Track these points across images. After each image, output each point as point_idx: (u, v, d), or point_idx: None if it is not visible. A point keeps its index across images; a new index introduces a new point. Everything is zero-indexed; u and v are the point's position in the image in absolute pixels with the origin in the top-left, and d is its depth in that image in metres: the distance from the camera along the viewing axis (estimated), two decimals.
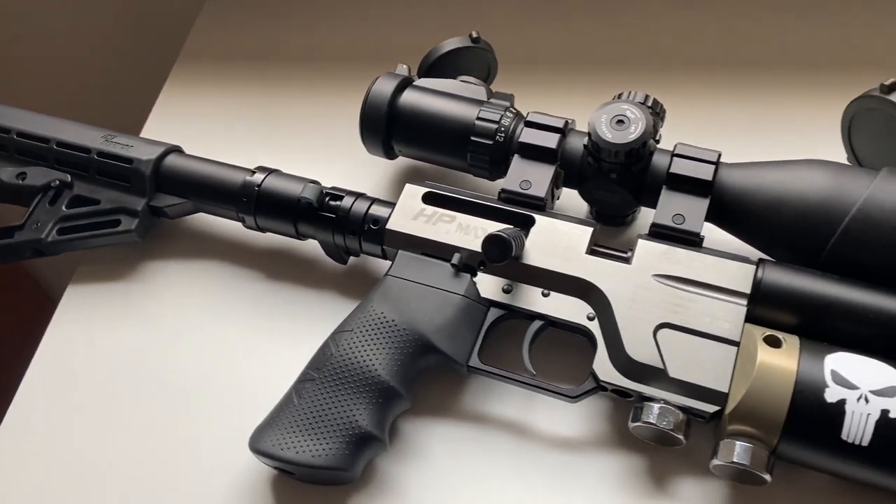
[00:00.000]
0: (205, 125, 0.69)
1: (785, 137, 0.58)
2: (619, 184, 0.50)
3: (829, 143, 0.52)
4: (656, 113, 0.53)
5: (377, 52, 0.70)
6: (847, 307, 0.43)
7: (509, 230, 0.46)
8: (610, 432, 0.47)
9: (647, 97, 0.52)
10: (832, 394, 0.40)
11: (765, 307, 0.45)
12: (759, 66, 0.64)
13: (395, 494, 0.46)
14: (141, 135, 0.67)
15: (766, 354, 0.41)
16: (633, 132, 0.47)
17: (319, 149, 0.64)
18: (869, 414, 0.39)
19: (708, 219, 0.49)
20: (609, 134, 0.48)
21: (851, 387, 0.40)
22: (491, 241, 0.45)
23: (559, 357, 0.49)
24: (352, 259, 0.56)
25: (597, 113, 0.49)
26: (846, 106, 0.51)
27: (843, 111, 0.51)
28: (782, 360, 0.41)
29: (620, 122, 0.48)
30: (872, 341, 0.43)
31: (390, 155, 0.58)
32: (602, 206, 0.54)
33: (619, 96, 0.52)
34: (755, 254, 0.48)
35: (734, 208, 0.48)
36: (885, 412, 0.39)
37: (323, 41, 0.75)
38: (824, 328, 0.44)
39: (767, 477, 0.41)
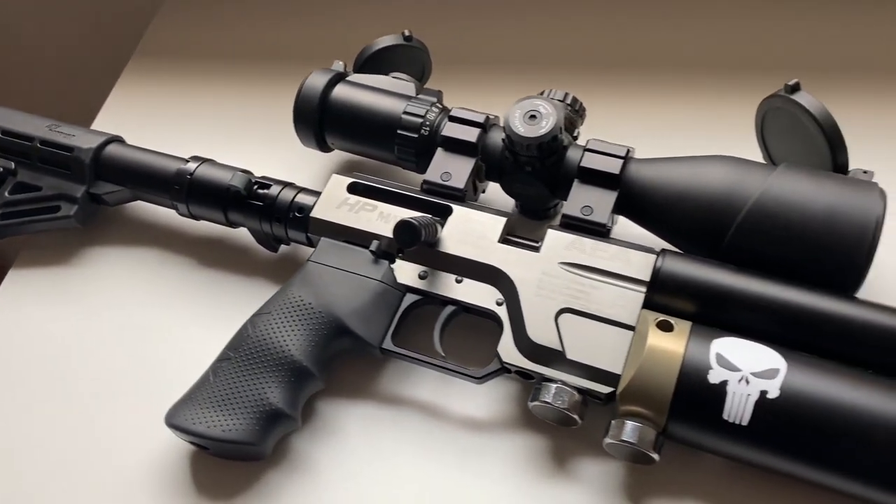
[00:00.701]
0: (156, 119, 0.71)
1: (710, 136, 0.60)
2: (534, 177, 0.52)
3: (750, 141, 0.54)
4: (575, 111, 0.55)
5: (325, 51, 0.71)
6: (741, 296, 0.45)
7: (421, 218, 0.48)
8: (517, 415, 0.49)
9: (566, 95, 0.54)
10: (715, 375, 0.41)
11: (663, 295, 0.46)
12: (682, 69, 0.67)
13: (307, 471, 0.48)
14: (92, 127, 0.69)
15: (655, 338, 0.43)
16: (544, 126, 0.49)
17: (266, 143, 0.65)
18: (749, 395, 0.41)
19: (618, 211, 0.51)
20: (521, 128, 0.50)
21: (734, 369, 0.41)
22: (401, 226, 0.46)
23: (473, 342, 0.50)
24: (283, 248, 0.58)
25: (512, 108, 0.50)
26: (758, 106, 0.53)
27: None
28: (671, 344, 0.43)
29: (533, 116, 0.50)
30: (764, 328, 0.45)
31: (324, 147, 0.59)
32: (523, 199, 0.55)
33: (542, 94, 0.54)
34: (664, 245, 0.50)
35: (641, 201, 0.50)
36: (763, 393, 0.41)
37: (274, 40, 0.77)
38: (720, 315, 0.45)
39: (655, 456, 0.42)
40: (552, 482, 0.46)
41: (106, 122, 0.71)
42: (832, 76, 0.63)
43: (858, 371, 0.42)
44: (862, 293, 0.48)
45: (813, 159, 0.50)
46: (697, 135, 0.61)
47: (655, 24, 0.71)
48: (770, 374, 0.41)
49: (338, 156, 0.63)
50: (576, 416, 0.44)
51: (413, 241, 0.46)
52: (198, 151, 0.59)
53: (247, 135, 0.67)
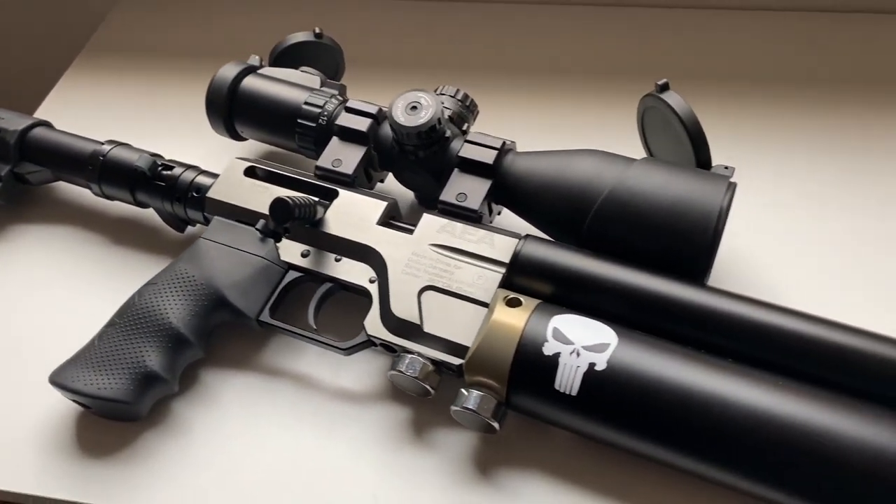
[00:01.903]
0: (97, 111, 0.74)
1: (600, 133, 0.63)
2: (419, 165, 0.55)
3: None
4: (466, 106, 0.58)
5: (265, 48, 0.75)
6: (593, 279, 0.48)
7: (298, 198, 0.51)
8: (384, 387, 0.51)
9: (457, 91, 0.57)
10: (549, 348, 0.44)
11: (522, 276, 0.49)
12: (576, 75, 0.72)
13: (184, 435, 0.50)
14: (35, 114, 0.72)
15: (501, 313, 0.46)
16: (423, 116, 0.52)
17: (198, 134, 0.67)
18: (578, 366, 0.43)
19: (496, 200, 0.54)
20: (402, 118, 0.53)
21: (567, 342, 0.44)
22: (275, 204, 0.49)
23: (355, 318, 0.52)
24: (190, 228, 0.61)
25: (395, 100, 0.53)
26: (638, 104, 0.56)
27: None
28: (513, 319, 0.45)
29: (414, 107, 0.53)
30: (614, 310, 0.47)
31: (234, 135, 0.63)
32: (414, 188, 0.58)
33: (436, 89, 0.57)
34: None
35: (514, 190, 0.53)
36: (592, 365, 0.43)
37: (218, 39, 0.81)
38: (573, 296, 0.48)
39: (495, 424, 0.45)
40: (409, 450, 0.48)
41: (48, 110, 0.75)
42: (708, 82, 0.68)
43: (691, 351, 0.44)
44: (714, 280, 0.51)
45: (680, 154, 0.53)
46: (589, 132, 0.64)
47: (556, 35, 0.76)
48: (600, 347, 0.43)
49: (263, 147, 0.66)
50: (428, 386, 0.47)
51: (286, 218, 0.49)
52: (131, 141, 0.62)
53: (182, 126, 0.70)
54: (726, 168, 0.52)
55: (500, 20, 0.79)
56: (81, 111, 0.74)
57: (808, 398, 0.41)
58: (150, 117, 0.73)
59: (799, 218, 0.59)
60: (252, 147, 0.66)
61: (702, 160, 0.52)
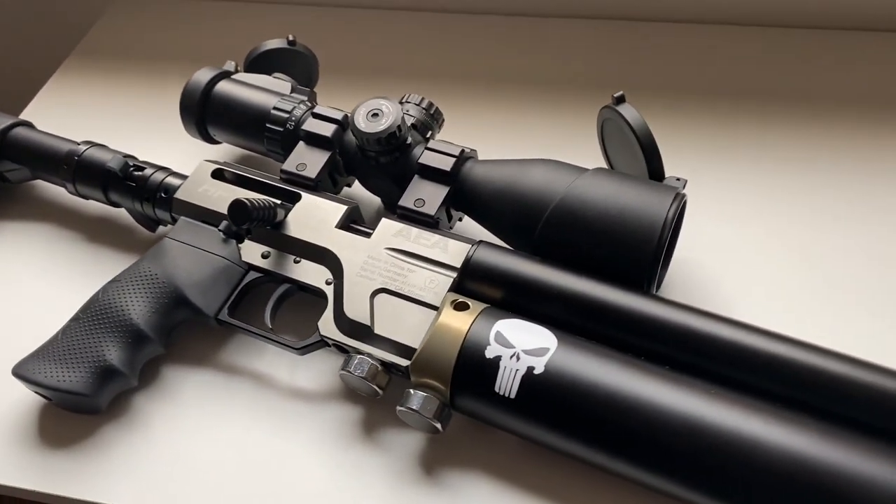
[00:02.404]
0: (84, 114, 0.76)
1: (562, 143, 0.64)
2: (381, 171, 0.56)
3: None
4: (430, 114, 0.59)
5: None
6: (541, 286, 0.49)
7: (258, 200, 0.52)
8: (338, 388, 0.52)
9: (422, 99, 0.59)
10: (491, 351, 0.45)
11: (473, 281, 0.50)
12: (543, 86, 0.74)
13: (142, 429, 0.52)
14: (21, 115, 0.74)
15: (447, 317, 0.47)
16: (384, 123, 0.54)
17: (183, 140, 0.68)
18: (517, 370, 0.44)
19: (455, 206, 0.55)
20: (363, 124, 0.54)
21: (509, 346, 0.45)
22: (233, 205, 0.51)
23: (312, 319, 0.54)
24: (162, 228, 0.62)
25: (358, 107, 0.55)
26: (597, 116, 0.57)
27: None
28: (458, 322, 0.46)
29: (375, 114, 0.54)
30: (560, 316, 0.48)
31: (207, 138, 0.64)
32: (378, 193, 0.60)
33: (402, 98, 0.59)
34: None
35: (470, 197, 0.54)
36: (530, 368, 0.44)
37: (205, 46, 0.82)
38: (522, 302, 0.49)
39: (438, 425, 0.46)
40: (359, 449, 0.49)
41: (35, 111, 0.77)
42: (668, 95, 0.70)
43: (629, 357, 0.45)
44: (667, 291, 0.52)
45: (635, 165, 0.54)
46: (555, 142, 0.65)
47: (526, 47, 0.78)
48: (540, 352, 0.44)
49: (238, 151, 0.67)
50: (376, 386, 0.48)
51: (244, 219, 0.51)
52: (114, 143, 0.64)
53: (165, 130, 0.70)
54: (678, 180, 0.53)
55: (472, 32, 0.81)
56: (67, 113, 0.76)
57: (741, 407, 0.42)
58: (135, 120, 0.75)
59: (753, 232, 0.59)
60: (227, 151, 0.68)
61: (654, 171, 0.53)
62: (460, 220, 0.59)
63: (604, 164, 0.58)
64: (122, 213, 0.64)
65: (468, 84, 0.73)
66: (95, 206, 0.65)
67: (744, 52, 0.74)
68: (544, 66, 0.76)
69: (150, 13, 0.88)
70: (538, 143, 0.66)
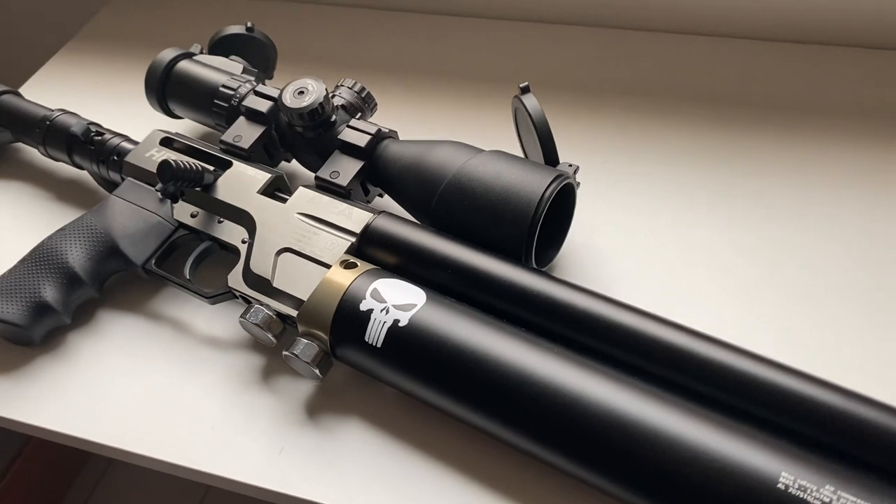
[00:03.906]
0: (81, 92, 0.83)
1: (500, 134, 0.68)
2: (308, 145, 0.61)
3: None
4: (362, 98, 0.64)
5: None
6: (430, 254, 0.53)
7: (188, 162, 0.58)
8: (247, 338, 0.57)
9: (355, 83, 0.64)
10: (365, 304, 0.49)
11: (371, 246, 0.54)
12: (479, 80, 0.78)
13: (71, 363, 0.57)
14: (19, 89, 0.82)
15: (334, 273, 0.51)
16: (307, 100, 0.59)
17: (157, 120, 0.75)
18: (385, 322, 0.48)
19: (371, 182, 0.60)
20: (289, 100, 0.59)
21: (381, 301, 0.49)
22: (160, 165, 0.56)
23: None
24: None
25: (288, 85, 0.60)
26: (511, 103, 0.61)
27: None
28: (342, 278, 0.51)
29: (301, 92, 0.59)
30: (447, 283, 0.52)
31: (169, 113, 0.70)
32: (308, 166, 0.65)
33: (338, 83, 0.64)
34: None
35: (382, 172, 0.58)
36: (396, 321, 0.48)
37: (205, 35, 0.88)
38: (413, 268, 0.53)
39: (317, 370, 0.50)
40: (252, 392, 0.54)
41: (32, 86, 0.84)
42: (583, 93, 0.75)
43: (494, 320, 0.48)
44: (559, 269, 0.56)
45: (536, 152, 0.58)
46: (488, 131, 0.69)
47: (472, 44, 0.83)
48: (408, 307, 0.48)
49: (200, 127, 0.73)
50: (270, 335, 0.52)
51: (169, 177, 0.56)
52: (99, 120, 0.71)
53: (154, 114, 0.77)
54: (570, 166, 0.57)
55: (425, 29, 0.86)
56: (65, 90, 0.83)
57: (589, 370, 0.45)
58: (124, 102, 0.81)
59: (653, 223, 0.63)
60: (194, 126, 0.74)
61: (549, 156, 0.56)
62: (380, 195, 0.63)
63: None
64: (88, 177, 0.70)
65: (412, 76, 0.79)
66: (66, 169, 0.72)
67: (648, 53, 0.79)
68: (484, 62, 0.80)
69: (152, 3, 0.95)
70: (470, 132, 0.70)
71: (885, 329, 0.54)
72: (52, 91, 0.83)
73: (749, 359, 0.45)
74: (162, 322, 0.59)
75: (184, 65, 0.68)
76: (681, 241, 0.61)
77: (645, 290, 0.57)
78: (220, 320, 0.59)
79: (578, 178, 0.59)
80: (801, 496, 0.38)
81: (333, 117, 0.60)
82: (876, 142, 0.68)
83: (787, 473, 0.38)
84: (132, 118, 0.75)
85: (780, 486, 0.38)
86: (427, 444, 0.50)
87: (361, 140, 0.59)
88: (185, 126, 0.74)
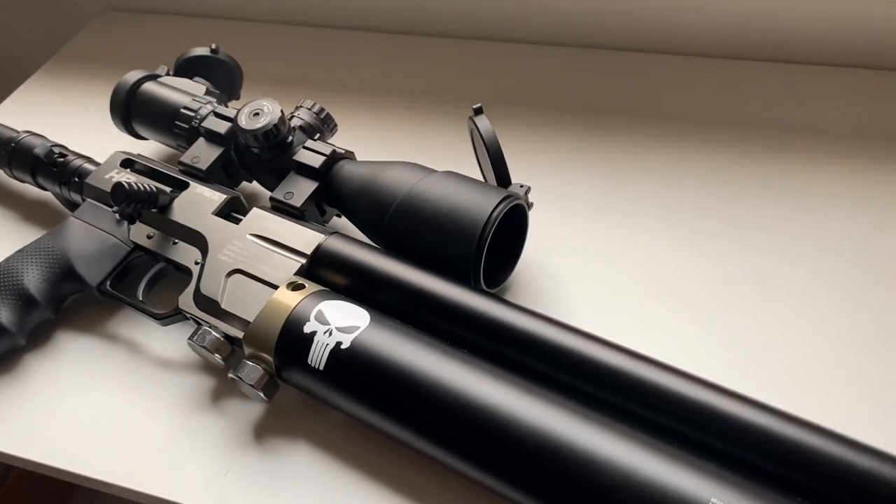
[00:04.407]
0: (55, 115, 0.84)
1: (458, 155, 0.68)
2: (265, 166, 0.61)
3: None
4: (321, 119, 0.64)
5: None
6: (379, 275, 0.53)
7: (144, 184, 0.58)
8: (199, 359, 0.57)
9: (314, 105, 0.64)
10: (309, 327, 0.49)
11: (322, 267, 0.54)
12: (439, 99, 0.79)
13: (24, 382, 0.57)
14: None
15: (280, 294, 0.51)
16: (262, 121, 0.59)
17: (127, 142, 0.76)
18: (328, 344, 0.48)
19: (327, 202, 0.60)
20: (244, 122, 0.59)
21: (325, 323, 0.49)
22: (114, 186, 0.57)
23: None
24: None
25: (244, 106, 0.60)
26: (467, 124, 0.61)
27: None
28: (288, 300, 0.51)
29: (256, 113, 0.60)
30: (397, 305, 0.52)
31: (134, 134, 0.71)
32: (266, 187, 0.65)
33: (298, 105, 0.64)
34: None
35: (336, 193, 0.59)
36: (339, 343, 0.48)
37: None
38: (362, 290, 0.53)
39: (261, 394, 0.50)
40: (200, 414, 0.54)
41: (7, 109, 0.85)
42: (538, 112, 0.75)
43: (438, 342, 0.48)
44: (512, 292, 0.56)
45: (490, 172, 0.58)
46: (446, 151, 0.69)
47: (430, 63, 0.84)
48: (351, 329, 0.48)
49: (166, 149, 0.74)
50: (217, 357, 0.52)
51: (122, 199, 0.56)
52: (70, 143, 0.71)
53: (126, 137, 0.78)
54: (521, 186, 0.57)
55: (387, 48, 0.88)
56: (40, 112, 0.84)
57: (537, 396, 0.44)
58: (96, 125, 0.82)
59: (603, 243, 0.63)
60: (156, 148, 0.74)
61: (500, 177, 0.56)
62: (338, 216, 0.63)
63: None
64: (51, 198, 0.70)
65: (373, 96, 0.79)
66: (33, 191, 0.72)
67: (626, 75, 0.80)
68: (463, 85, 0.80)
69: (131, 27, 0.96)
70: (428, 152, 0.70)
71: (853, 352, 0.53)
72: (28, 112, 0.84)
73: (692, 383, 0.44)
74: (117, 344, 0.59)
75: (148, 86, 0.68)
76: (637, 264, 0.61)
77: (599, 312, 0.57)
78: (173, 342, 0.59)
79: (533, 198, 0.59)
80: None
81: (290, 138, 0.61)
82: (856, 161, 0.67)
83: (716, 500, 0.38)
84: (104, 140, 0.75)
85: None
86: (375, 469, 0.50)
87: (316, 161, 0.59)
88: (151, 147, 0.75)
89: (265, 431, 0.52)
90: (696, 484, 0.39)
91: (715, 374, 0.45)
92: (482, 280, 0.53)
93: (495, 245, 0.54)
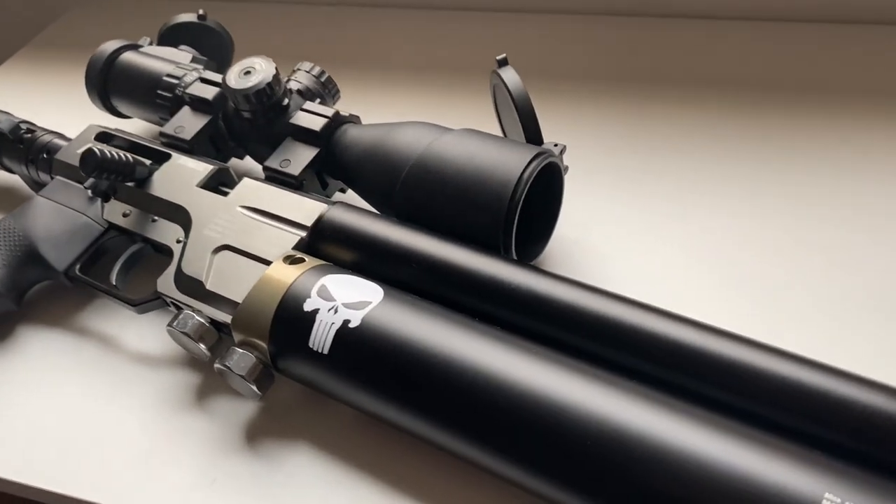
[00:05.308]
0: (30, 101, 0.77)
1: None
2: (258, 133, 0.54)
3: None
4: (321, 83, 0.57)
5: None
6: (392, 247, 0.45)
7: (118, 153, 0.50)
8: (182, 353, 0.49)
9: (313, 67, 0.57)
10: (310, 304, 0.41)
11: (325, 242, 0.47)
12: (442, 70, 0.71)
13: None
14: None
15: (274, 269, 0.43)
16: (254, 80, 0.51)
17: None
18: (333, 323, 0.40)
19: (328, 172, 0.52)
20: (234, 81, 0.52)
21: (329, 299, 0.41)
22: (84, 154, 0.49)
23: None
24: None
25: (234, 65, 0.53)
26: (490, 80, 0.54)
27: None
28: (284, 275, 0.43)
29: (248, 72, 0.52)
30: (413, 280, 0.44)
31: (112, 111, 0.63)
32: (259, 160, 0.57)
33: (295, 68, 0.57)
34: None
35: (339, 159, 0.51)
36: (346, 322, 0.40)
37: None
38: (375, 265, 0.45)
39: (254, 386, 0.42)
40: (184, 415, 0.46)
41: None
42: (576, 83, 0.69)
43: (464, 318, 0.40)
44: (544, 265, 0.48)
45: (516, 130, 0.50)
46: (451, 117, 0.62)
47: (439, 36, 0.77)
48: (360, 305, 0.40)
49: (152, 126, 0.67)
50: (202, 345, 0.44)
51: (93, 168, 0.49)
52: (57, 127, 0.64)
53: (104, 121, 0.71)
54: (556, 146, 0.49)
55: (385, 23, 0.81)
56: (13, 94, 0.77)
57: (582, 375, 0.37)
58: (75, 109, 0.74)
59: (647, 216, 0.55)
60: (141, 126, 0.67)
61: (531, 135, 0.49)
62: (342, 191, 0.56)
63: None
64: (21, 181, 0.63)
65: (377, 69, 0.72)
66: (5, 176, 0.65)
67: (664, 42, 0.72)
68: (459, 53, 0.73)
69: (113, 12, 0.89)
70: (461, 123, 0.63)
71: None
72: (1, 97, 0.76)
73: (775, 356, 0.36)
74: (89, 338, 0.51)
75: (127, 56, 0.61)
76: (686, 238, 0.53)
77: (648, 288, 0.49)
78: (153, 334, 0.51)
79: (569, 161, 0.51)
80: None
81: (286, 101, 0.53)
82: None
83: (831, 495, 0.30)
84: (84, 123, 0.68)
85: None
86: (391, 474, 0.42)
87: (316, 124, 0.51)
88: (136, 127, 0.67)
89: (259, 433, 0.44)
90: (804, 478, 0.30)
91: None
92: (513, 251, 0.45)
93: (526, 214, 0.46)
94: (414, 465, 0.41)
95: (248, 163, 0.59)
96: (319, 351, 0.40)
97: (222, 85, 0.52)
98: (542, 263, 0.51)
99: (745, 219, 0.54)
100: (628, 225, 0.54)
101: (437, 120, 0.62)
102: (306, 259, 0.44)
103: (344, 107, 0.55)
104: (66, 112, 0.72)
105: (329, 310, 0.41)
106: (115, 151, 0.50)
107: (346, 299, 0.41)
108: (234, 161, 0.59)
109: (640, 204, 0.56)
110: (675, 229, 0.53)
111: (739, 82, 0.66)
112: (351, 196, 0.55)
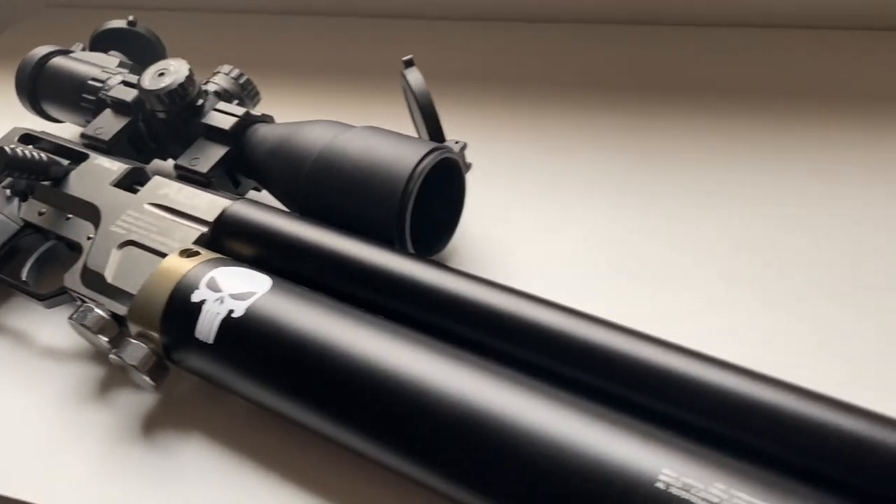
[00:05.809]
0: None
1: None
2: (173, 133, 0.55)
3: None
4: (240, 85, 0.58)
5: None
6: (292, 242, 0.46)
7: (32, 152, 0.51)
8: (91, 347, 0.50)
9: (232, 70, 0.58)
10: (198, 295, 0.42)
11: (227, 237, 0.47)
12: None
13: None
14: None
15: (168, 262, 0.44)
16: (166, 80, 0.53)
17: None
18: (218, 313, 0.41)
19: (240, 171, 0.53)
20: (148, 83, 0.53)
21: (217, 290, 0.42)
22: None
23: None
24: None
25: (150, 67, 0.54)
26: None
27: None
28: (177, 267, 0.43)
29: (161, 74, 0.53)
30: (313, 274, 0.45)
31: (43, 115, 0.64)
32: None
33: (215, 71, 0.58)
34: None
35: (249, 157, 0.52)
36: (230, 311, 0.41)
37: None
38: (276, 260, 0.46)
39: (147, 378, 0.43)
40: (86, 407, 0.46)
41: None
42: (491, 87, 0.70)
43: (354, 310, 0.41)
44: (448, 260, 0.49)
45: (424, 131, 0.51)
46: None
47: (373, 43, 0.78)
48: (246, 295, 0.41)
49: None
50: (101, 337, 0.45)
51: (4, 167, 0.50)
52: None
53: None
54: (457, 142, 0.50)
55: (320, 31, 0.83)
56: None
57: (449, 359, 0.37)
58: (16, 119, 0.76)
59: (552, 212, 0.56)
60: (73, 130, 0.68)
61: (432, 133, 0.50)
62: (257, 189, 0.57)
63: None
64: None
65: (310, 78, 0.73)
66: None
67: (565, 45, 0.74)
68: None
69: (68, 22, 0.91)
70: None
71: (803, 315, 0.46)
72: None
73: (645, 343, 0.37)
74: (2, 334, 0.52)
75: (56, 60, 0.62)
76: (589, 233, 0.54)
77: (551, 281, 0.50)
78: (64, 329, 0.51)
79: (476, 160, 0.52)
80: (684, 496, 0.29)
81: (200, 101, 0.54)
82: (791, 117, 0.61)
83: (668, 470, 0.30)
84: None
85: (659, 484, 0.30)
86: (281, 463, 0.42)
87: (227, 123, 0.52)
88: (69, 131, 0.68)
89: (156, 424, 0.45)
90: (644, 453, 0.31)
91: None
92: (409, 244, 0.46)
93: (428, 209, 0.47)
94: (307, 458, 0.42)
95: (171, 166, 0.60)
96: (205, 341, 0.41)
97: (137, 86, 0.53)
98: (447, 258, 0.52)
99: (643, 210, 0.55)
100: (534, 221, 0.55)
101: (359, 123, 0.63)
102: (202, 252, 0.45)
103: (266, 110, 0.56)
104: (5, 118, 0.73)
105: (215, 300, 0.41)
106: (29, 151, 0.51)
107: (232, 290, 0.42)
108: (158, 163, 0.60)
109: (545, 200, 0.56)
110: (582, 223, 0.54)
111: (627, 76, 0.68)
112: (266, 195, 0.56)
